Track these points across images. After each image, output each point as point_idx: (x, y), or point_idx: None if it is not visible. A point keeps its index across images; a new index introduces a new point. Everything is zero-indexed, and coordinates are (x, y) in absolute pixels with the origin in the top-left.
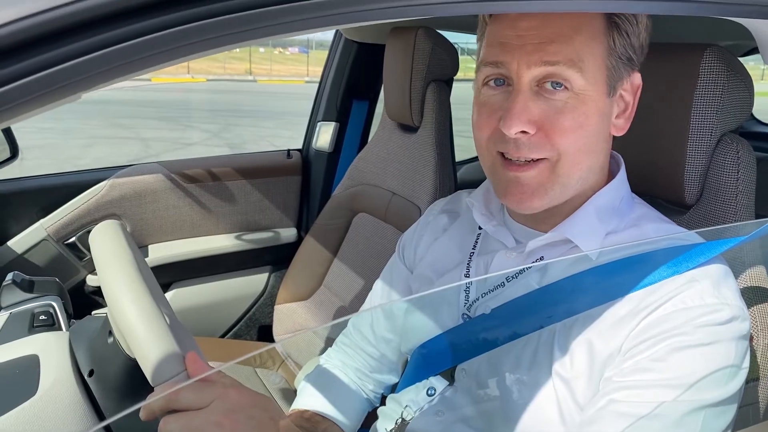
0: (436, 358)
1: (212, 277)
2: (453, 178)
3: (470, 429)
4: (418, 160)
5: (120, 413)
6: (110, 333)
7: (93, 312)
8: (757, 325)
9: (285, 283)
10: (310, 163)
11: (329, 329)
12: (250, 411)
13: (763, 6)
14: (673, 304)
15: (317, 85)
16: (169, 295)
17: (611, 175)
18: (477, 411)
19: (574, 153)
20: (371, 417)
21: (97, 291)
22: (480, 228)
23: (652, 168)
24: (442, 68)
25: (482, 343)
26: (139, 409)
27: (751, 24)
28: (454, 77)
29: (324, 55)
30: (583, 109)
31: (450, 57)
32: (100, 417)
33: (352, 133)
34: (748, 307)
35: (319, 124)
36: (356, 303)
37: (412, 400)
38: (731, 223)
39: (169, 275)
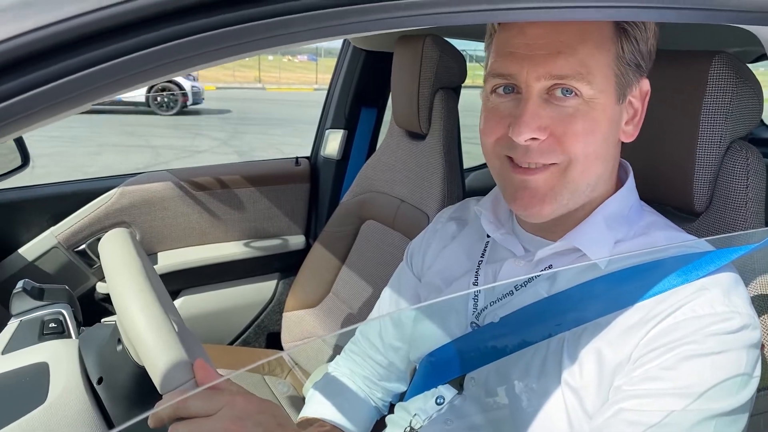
0: (444, 367)
1: (221, 285)
2: (461, 185)
3: None
4: (426, 168)
5: (129, 421)
6: (119, 341)
7: (102, 319)
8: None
9: (293, 290)
10: (318, 171)
11: (337, 337)
12: (258, 418)
13: None
14: (683, 312)
15: (326, 92)
16: (178, 302)
17: (620, 182)
18: (486, 420)
19: (585, 158)
20: (379, 425)
21: (107, 298)
22: (488, 236)
23: (660, 175)
24: (450, 76)
25: (491, 351)
26: (147, 417)
27: (760, 31)
28: (462, 84)
29: (333, 62)
30: (594, 115)
31: (458, 64)
32: (109, 425)
33: (361, 141)
34: (759, 316)
35: (327, 131)
36: (364, 310)
37: (420, 409)
38: (741, 230)
39: (178, 282)
